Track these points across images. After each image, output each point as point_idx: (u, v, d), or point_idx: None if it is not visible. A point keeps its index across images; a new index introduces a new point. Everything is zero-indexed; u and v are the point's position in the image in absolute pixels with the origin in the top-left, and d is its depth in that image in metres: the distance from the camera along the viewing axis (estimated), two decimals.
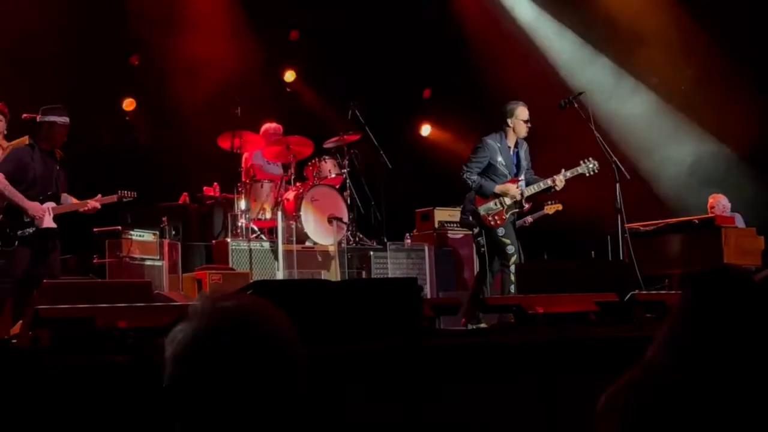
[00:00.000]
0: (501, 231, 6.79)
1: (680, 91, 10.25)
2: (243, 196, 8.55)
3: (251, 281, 7.22)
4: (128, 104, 10.28)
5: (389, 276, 8.38)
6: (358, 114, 9.30)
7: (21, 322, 4.24)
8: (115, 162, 9.51)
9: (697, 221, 7.65)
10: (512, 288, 6.59)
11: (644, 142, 10.21)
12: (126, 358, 2.84)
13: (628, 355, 1.73)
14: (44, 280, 5.29)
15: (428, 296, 8.01)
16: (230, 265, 7.98)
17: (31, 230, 6.11)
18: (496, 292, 6.87)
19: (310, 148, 8.94)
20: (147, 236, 7.89)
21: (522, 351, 3.60)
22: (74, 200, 6.52)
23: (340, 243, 8.44)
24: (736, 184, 9.56)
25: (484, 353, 3.52)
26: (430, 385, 3.26)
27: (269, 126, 9.33)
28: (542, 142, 7.83)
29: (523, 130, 6.95)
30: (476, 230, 7.18)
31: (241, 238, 8.30)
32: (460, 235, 9.22)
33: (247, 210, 8.49)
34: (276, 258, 8.23)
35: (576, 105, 7.01)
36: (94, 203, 6.53)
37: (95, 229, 7.75)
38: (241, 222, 8.45)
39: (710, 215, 8.31)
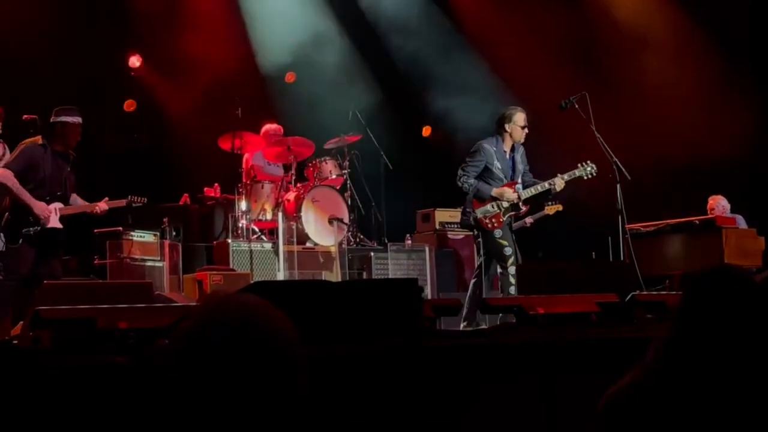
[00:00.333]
0: (498, 233, 6.83)
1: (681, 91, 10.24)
2: (244, 197, 8.55)
3: (252, 282, 7.22)
4: (129, 105, 10.28)
5: (390, 277, 8.39)
6: (359, 115, 9.30)
7: (21, 322, 4.24)
8: (116, 163, 9.52)
9: (697, 222, 7.65)
10: (512, 289, 6.61)
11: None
12: (127, 359, 2.84)
13: (628, 355, 1.73)
14: (45, 281, 5.30)
15: (429, 297, 8.01)
16: (231, 266, 7.98)
17: (36, 229, 6.11)
18: (495, 294, 6.89)
19: (310, 148, 8.95)
20: (148, 237, 7.89)
21: (522, 351, 3.60)
22: (83, 202, 6.52)
23: (340, 244, 8.44)
24: (737, 185, 9.55)
25: (484, 354, 3.52)
26: (431, 386, 3.26)
27: (270, 127, 9.33)
28: (542, 142, 7.83)
29: (520, 135, 6.99)
30: (476, 232, 7.20)
31: (241, 239, 8.31)
32: (461, 236, 9.23)
33: (248, 211, 8.49)
34: (277, 259, 8.23)
35: (576, 106, 7.02)
36: (103, 206, 6.53)
37: (96, 230, 7.74)
38: (242, 223, 8.45)
39: (711, 216, 8.30)
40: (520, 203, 6.93)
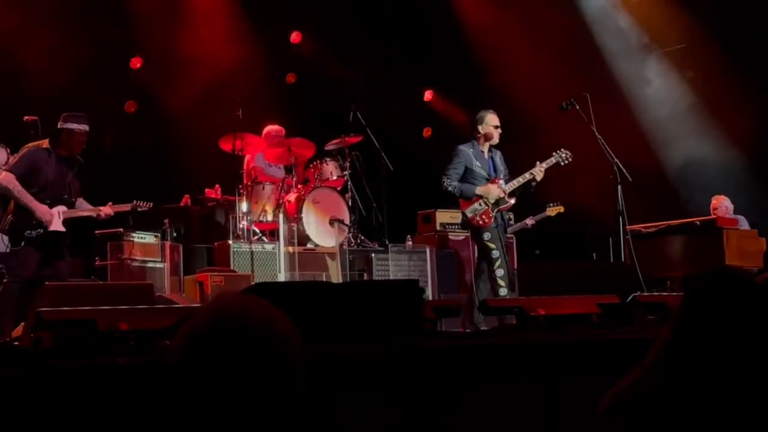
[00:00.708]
0: (487, 235, 6.98)
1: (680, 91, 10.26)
2: (244, 198, 8.55)
3: (253, 283, 7.22)
4: (130, 106, 10.28)
5: (391, 278, 8.38)
6: (359, 116, 9.30)
7: (23, 324, 4.25)
8: (117, 164, 9.51)
9: (698, 223, 7.65)
10: (501, 291, 6.68)
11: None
12: (127, 360, 2.84)
13: (629, 356, 1.73)
14: (46, 282, 5.29)
15: (430, 298, 8.01)
16: (232, 268, 7.98)
17: (39, 232, 6.11)
18: (490, 295, 6.90)
19: (311, 150, 8.94)
20: (148, 238, 7.89)
21: (523, 352, 3.60)
22: (89, 206, 6.51)
23: (341, 245, 8.44)
24: (739, 186, 9.55)
25: (485, 355, 3.52)
26: (432, 387, 3.26)
27: (271, 128, 9.33)
28: (542, 143, 7.84)
29: (494, 136, 7.18)
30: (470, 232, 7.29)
31: (242, 240, 8.31)
32: (462, 237, 9.21)
33: (249, 212, 8.49)
34: (278, 260, 8.23)
35: (577, 107, 7.03)
36: (107, 210, 6.52)
37: (97, 232, 7.74)
38: (243, 224, 8.45)
39: (712, 217, 8.30)
40: (506, 197, 7.08)
